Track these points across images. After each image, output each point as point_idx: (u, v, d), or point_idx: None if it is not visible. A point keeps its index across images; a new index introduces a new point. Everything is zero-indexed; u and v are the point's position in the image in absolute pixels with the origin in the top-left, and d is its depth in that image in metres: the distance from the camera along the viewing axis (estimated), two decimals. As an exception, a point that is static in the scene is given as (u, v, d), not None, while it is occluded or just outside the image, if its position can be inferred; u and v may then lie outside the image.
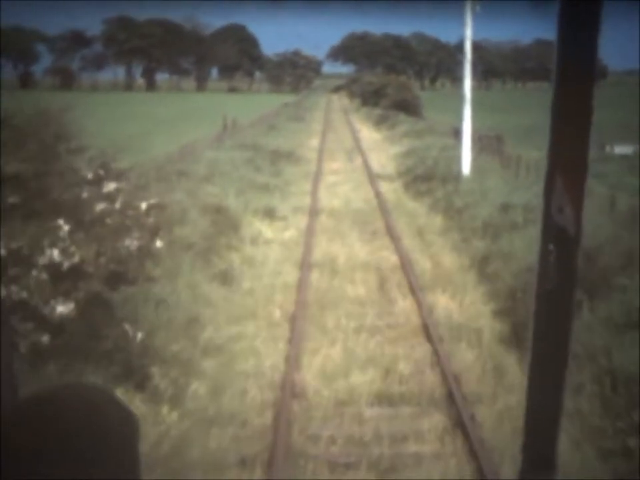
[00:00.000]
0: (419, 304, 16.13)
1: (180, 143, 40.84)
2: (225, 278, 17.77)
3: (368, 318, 15.62)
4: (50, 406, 1.64)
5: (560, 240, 1.70)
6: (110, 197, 11.36)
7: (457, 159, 32.72)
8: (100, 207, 11.19)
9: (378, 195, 30.23)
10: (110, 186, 11.42)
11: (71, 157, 11.94)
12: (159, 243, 11.29)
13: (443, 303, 16.34)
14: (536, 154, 43.53)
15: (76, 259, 9.41)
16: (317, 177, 35.03)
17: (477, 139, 39.83)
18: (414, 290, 17.19)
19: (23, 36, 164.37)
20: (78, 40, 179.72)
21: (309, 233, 23.09)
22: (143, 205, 11.59)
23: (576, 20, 1.63)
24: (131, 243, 10.88)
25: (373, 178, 34.93)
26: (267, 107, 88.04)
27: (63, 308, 9.16)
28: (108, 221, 11.10)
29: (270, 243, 21.73)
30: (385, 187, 32.61)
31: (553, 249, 1.71)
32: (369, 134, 61.82)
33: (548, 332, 1.76)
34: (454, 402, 11.50)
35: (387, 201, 29.01)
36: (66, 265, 9.30)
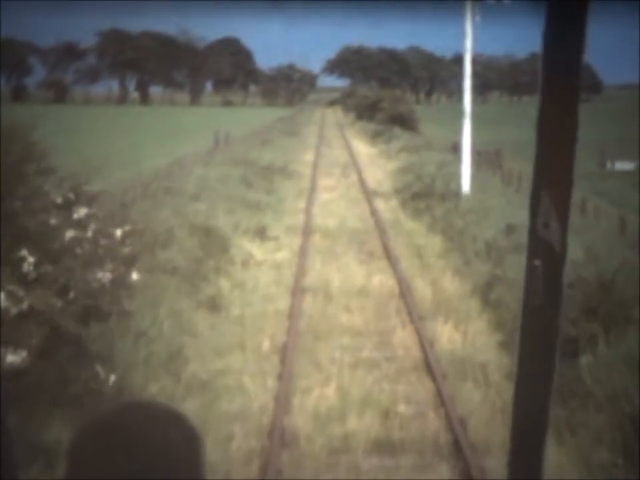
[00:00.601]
0: (420, 334, 15.03)
1: (170, 158, 39.81)
2: (213, 304, 16.68)
3: (365, 351, 14.52)
4: (120, 422, 1.65)
5: (546, 255, 1.73)
6: (81, 224, 10.25)
7: (456, 176, 31.70)
8: (70, 234, 10.08)
9: (374, 213, 29.15)
10: (81, 211, 10.31)
11: (39, 179, 10.83)
12: (135, 275, 10.18)
13: (445, 333, 15.23)
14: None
15: (24, 305, 8.29)
16: (310, 194, 33.95)
17: (476, 154, 38.82)
18: (413, 318, 16.11)
19: (16, 48, 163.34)
20: (71, 52, 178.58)
21: (302, 255, 22.00)
22: (118, 232, 10.48)
23: (561, 36, 1.65)
24: (103, 275, 9.78)
25: (368, 195, 33.86)
26: (261, 121, 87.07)
27: (14, 357, 8.05)
28: (78, 250, 9.98)
29: (261, 265, 20.62)
30: (381, 205, 31.54)
31: (539, 264, 1.74)
32: (364, 148, 60.81)
33: (535, 346, 1.78)
34: (461, 451, 10.39)
35: (384, 220, 27.93)
36: (14, 311, 8.19)
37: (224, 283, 18.16)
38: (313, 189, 35.86)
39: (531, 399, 1.79)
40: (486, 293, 17.44)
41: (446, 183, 31.10)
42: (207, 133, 54.32)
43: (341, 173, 42.59)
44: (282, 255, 22.06)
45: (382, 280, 19.08)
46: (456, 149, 45.80)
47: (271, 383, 12.86)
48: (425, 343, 14.50)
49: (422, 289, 18.29)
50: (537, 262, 1.72)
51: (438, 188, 30.79)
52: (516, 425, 1.81)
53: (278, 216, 27.87)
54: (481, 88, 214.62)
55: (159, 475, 1.61)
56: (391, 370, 13.65)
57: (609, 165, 44.96)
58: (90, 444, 1.63)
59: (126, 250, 10.22)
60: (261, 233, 24.30)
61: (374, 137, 66.61)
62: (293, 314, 16.29)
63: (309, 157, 51.96)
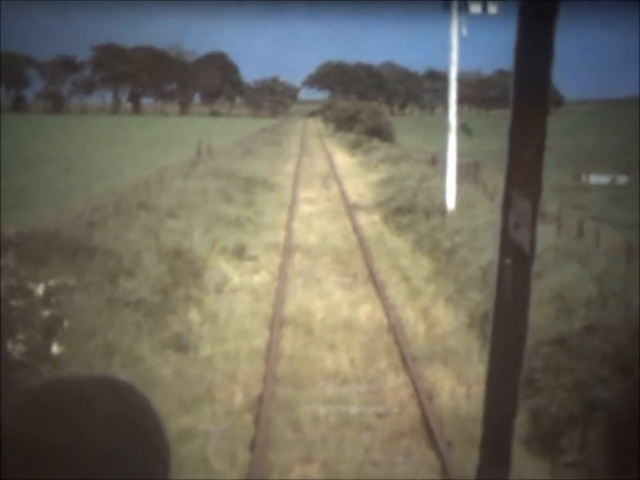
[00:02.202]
0: (415, 386, 12.00)
1: (153, 169, 36.67)
2: (180, 344, 13.56)
3: (353, 405, 11.48)
4: (69, 394, 1.39)
5: (516, 255, 1.68)
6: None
7: (438, 190, 28.72)
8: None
9: (356, 229, 26.07)
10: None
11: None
12: (55, 348, 7.09)
13: (444, 383, 12.17)
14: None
15: None
16: (291, 207, 30.84)
17: (457, 167, 35.78)
18: (406, 361, 13.09)
19: (15, 61, 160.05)
20: (68, 65, 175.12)
21: (282, 278, 18.93)
22: (40, 289, 7.40)
23: (531, 51, 1.66)
24: (14, 347, 6.73)
25: (350, 208, 30.78)
26: (245, 131, 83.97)
27: None
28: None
29: (237, 292, 17.52)
30: (363, 219, 28.47)
31: (509, 264, 1.69)
32: (343, 159, 57.69)
33: (505, 343, 1.73)
34: None
35: (366, 236, 24.88)
36: None
37: (194, 316, 15.06)
38: (293, 201, 32.73)
39: (501, 390, 1.74)
40: (484, 326, 14.44)
41: (429, 198, 28.09)
42: (192, 143, 51.02)
43: (322, 184, 39.50)
44: (260, 278, 18.98)
45: (368, 311, 16.01)
46: (435, 161, 42.81)
47: (242, 455, 9.80)
48: (423, 397, 11.47)
49: (413, 322, 15.26)
50: (508, 261, 1.68)
51: (421, 203, 27.79)
52: (487, 415, 1.79)
53: (258, 232, 24.78)
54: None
55: (106, 449, 1.35)
56: (384, 432, 10.61)
57: (583, 178, 42.03)
58: (28, 422, 1.36)
59: (46, 313, 7.13)
60: (239, 252, 21.23)
61: (353, 148, 63.53)
62: (270, 356, 13.21)
63: (291, 167, 48.80)
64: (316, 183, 39.93)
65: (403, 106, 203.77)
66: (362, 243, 23.71)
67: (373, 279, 18.75)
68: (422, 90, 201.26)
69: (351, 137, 71.25)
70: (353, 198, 34.13)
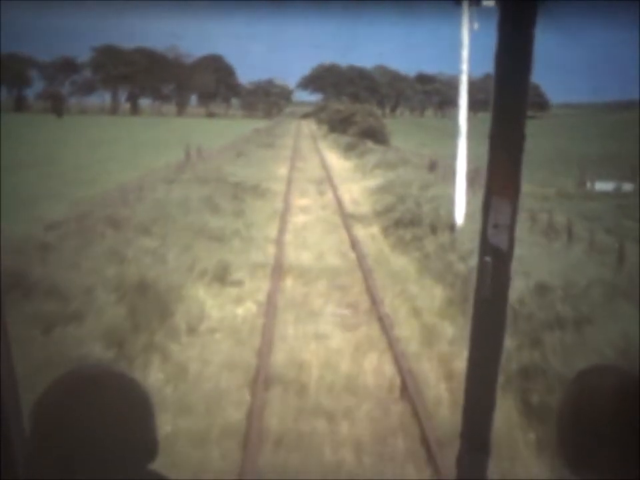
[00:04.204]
0: (449, 496, 8.29)
1: (135, 174, 32.87)
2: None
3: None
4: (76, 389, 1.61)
5: (495, 253, 1.78)
6: None
7: (443, 199, 25.07)
8: None
9: (354, 244, 22.29)
10: None
11: None
12: None
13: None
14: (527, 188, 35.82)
15: None
16: (283, 217, 27.05)
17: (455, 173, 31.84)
18: (430, 445, 9.36)
19: (17, 62, 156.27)
20: (68, 66, 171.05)
21: (270, 311, 15.17)
22: None
23: (511, 57, 1.64)
24: None
25: (346, 219, 27.02)
26: (240, 132, 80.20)
27: None
28: None
29: (215, 332, 13.70)
30: (361, 232, 24.70)
31: (489, 261, 1.77)
32: (338, 162, 53.85)
33: (484, 335, 1.79)
34: None
35: (366, 253, 21.15)
36: None
37: (154, 373, 11.26)
38: (286, 210, 28.94)
39: (481, 379, 1.81)
40: (525, 393, 10.74)
41: (434, 209, 24.35)
42: (184, 144, 47.09)
43: (316, 190, 35.71)
44: (244, 311, 15.22)
45: (375, 363, 12.23)
46: (433, 166, 39.04)
47: None
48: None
49: (433, 382, 11.53)
50: (487, 259, 1.78)
51: (425, 214, 24.05)
52: (468, 403, 1.81)
53: (245, 248, 20.99)
54: (441, 104, 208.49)
55: (112, 437, 1.55)
56: None
57: (588, 185, 38.31)
58: (44, 414, 1.58)
59: None
60: (221, 276, 17.49)
61: (347, 150, 59.71)
62: (250, 442, 9.45)
63: (284, 170, 44.90)
64: (310, 188, 36.12)
65: (393, 108, 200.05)
66: (361, 261, 19.97)
67: (378, 313, 15.00)
68: (412, 92, 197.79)
69: (345, 139, 67.45)
70: (349, 206, 30.34)
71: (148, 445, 1.65)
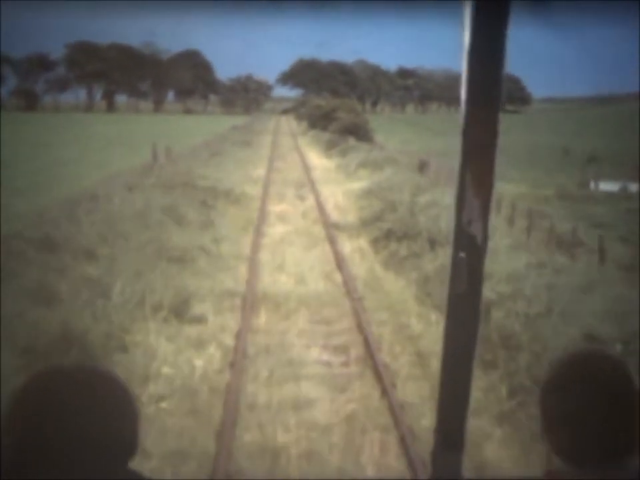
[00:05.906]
0: None
1: (96, 178, 29.49)
2: None
3: None
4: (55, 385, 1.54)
5: (469, 248, 1.69)
6: None
7: (440, 207, 21.89)
8: None
9: (340, 263, 19.01)
10: None
11: None
12: None
13: None
14: (512, 188, 32.71)
15: None
16: (259, 229, 23.73)
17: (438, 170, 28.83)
18: None
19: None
20: (42, 63, 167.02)
21: (238, 364, 11.84)
22: None
23: (483, 52, 1.58)
24: None
25: (330, 229, 23.74)
26: (216, 129, 76.84)
27: None
28: None
29: (162, 401, 10.39)
30: (347, 246, 21.42)
31: (463, 256, 1.69)
32: (319, 161, 50.59)
33: (458, 329, 1.74)
34: None
35: (355, 275, 17.90)
36: None
37: None
38: (262, 219, 25.65)
39: (455, 374, 1.76)
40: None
41: (431, 218, 21.10)
42: (158, 142, 43.62)
43: (296, 194, 32.40)
44: (204, 362, 11.90)
45: (379, 458, 8.93)
46: (424, 167, 35.85)
47: None
48: None
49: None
50: (462, 254, 1.70)
51: (421, 225, 20.81)
52: (442, 399, 1.77)
53: (212, 270, 17.67)
54: (421, 99, 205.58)
55: (93, 435, 1.50)
56: None
57: (592, 185, 35.19)
58: (21, 411, 1.51)
59: None
60: (179, 310, 14.19)
61: (328, 148, 56.46)
62: None
63: (261, 171, 41.58)
64: (289, 192, 32.79)
65: (374, 104, 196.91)
66: (349, 287, 16.71)
67: (375, 366, 11.72)
68: (393, 87, 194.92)
69: (326, 135, 64.19)
70: (333, 214, 27.05)
71: (128, 444, 1.58)
